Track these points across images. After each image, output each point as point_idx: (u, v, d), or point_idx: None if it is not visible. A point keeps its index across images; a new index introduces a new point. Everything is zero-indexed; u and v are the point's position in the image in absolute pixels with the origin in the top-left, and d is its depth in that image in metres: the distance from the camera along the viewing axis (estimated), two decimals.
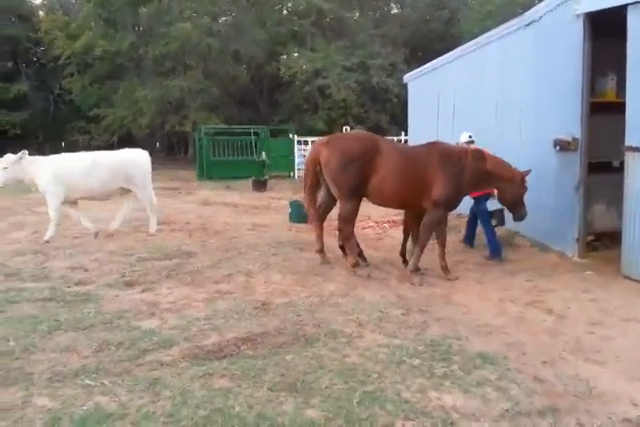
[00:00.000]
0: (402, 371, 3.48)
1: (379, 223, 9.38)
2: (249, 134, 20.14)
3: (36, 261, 6.44)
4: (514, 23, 7.90)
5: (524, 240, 7.45)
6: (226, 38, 25.42)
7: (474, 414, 2.97)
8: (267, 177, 16.90)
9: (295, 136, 20.58)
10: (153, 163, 8.41)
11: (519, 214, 6.23)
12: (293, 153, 20.11)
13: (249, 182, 15.82)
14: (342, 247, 6.30)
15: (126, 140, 27.85)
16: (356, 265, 6.01)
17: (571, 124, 6.55)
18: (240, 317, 4.48)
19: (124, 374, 3.41)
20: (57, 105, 32.12)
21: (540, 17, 7.14)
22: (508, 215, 6.57)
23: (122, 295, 5.10)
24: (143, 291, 5.24)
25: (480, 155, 5.95)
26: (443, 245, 6.01)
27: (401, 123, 20.68)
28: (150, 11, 25.33)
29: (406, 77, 13.48)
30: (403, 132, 18.01)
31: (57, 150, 10.27)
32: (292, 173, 19.99)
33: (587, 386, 3.35)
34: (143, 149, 8.54)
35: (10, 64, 33.82)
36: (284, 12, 30.26)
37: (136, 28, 26.89)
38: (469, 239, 7.45)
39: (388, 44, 27.55)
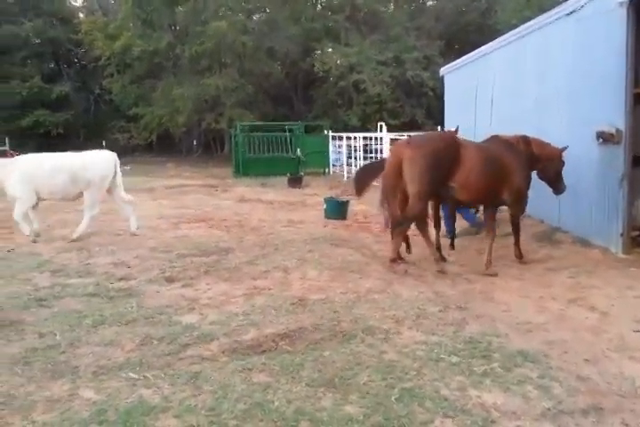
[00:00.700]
0: (440, 368, 3.44)
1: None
2: (284, 131, 20.22)
3: (80, 257, 6.62)
4: (554, 12, 7.70)
5: (565, 236, 7.26)
6: (260, 35, 25.62)
7: (514, 413, 2.92)
8: (302, 174, 16.91)
9: (330, 132, 20.54)
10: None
11: (560, 189, 6.57)
12: (328, 149, 20.07)
13: (284, 179, 15.87)
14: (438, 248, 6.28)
15: (165, 138, 28.46)
16: (440, 259, 6.14)
17: (614, 116, 6.35)
18: (277, 313, 4.51)
19: (166, 367, 3.48)
20: (97, 105, 33.02)
21: (582, 5, 6.94)
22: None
23: (162, 291, 5.21)
24: (183, 287, 5.34)
25: (527, 140, 6.26)
26: (492, 239, 6.00)
27: (437, 117, 20.43)
28: (186, 10, 25.74)
29: (442, 70, 13.31)
30: (439, 127, 17.77)
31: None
32: (326, 170, 19.96)
33: (632, 385, 3.25)
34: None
35: (52, 66, 34.88)
36: (318, 7, 30.29)
37: (172, 27, 27.39)
38: (450, 233, 7.18)
39: (423, 37, 27.23)
